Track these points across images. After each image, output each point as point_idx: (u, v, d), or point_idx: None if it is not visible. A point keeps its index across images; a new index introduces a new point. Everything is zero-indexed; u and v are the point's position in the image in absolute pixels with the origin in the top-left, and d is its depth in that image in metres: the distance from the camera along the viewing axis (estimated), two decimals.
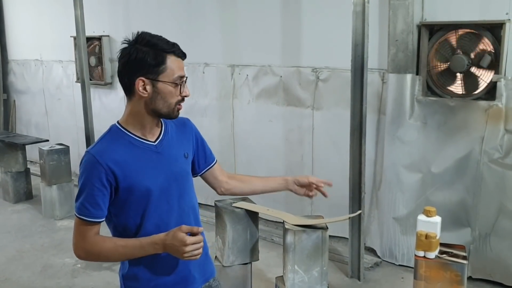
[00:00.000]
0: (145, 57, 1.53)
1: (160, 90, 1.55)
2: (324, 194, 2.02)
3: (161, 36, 1.59)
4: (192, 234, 1.51)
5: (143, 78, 1.54)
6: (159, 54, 1.54)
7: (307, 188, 2.00)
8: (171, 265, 1.66)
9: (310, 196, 2.01)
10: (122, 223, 1.63)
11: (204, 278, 1.79)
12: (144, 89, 1.55)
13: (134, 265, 1.66)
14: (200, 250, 1.52)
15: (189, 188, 1.74)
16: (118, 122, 1.65)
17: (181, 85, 1.59)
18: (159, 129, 1.68)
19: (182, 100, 1.61)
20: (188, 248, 1.48)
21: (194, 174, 1.86)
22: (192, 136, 1.80)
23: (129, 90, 1.59)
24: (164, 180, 1.63)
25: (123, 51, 1.58)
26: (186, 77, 1.61)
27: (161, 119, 1.68)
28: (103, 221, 1.60)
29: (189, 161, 1.77)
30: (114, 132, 1.62)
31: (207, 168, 1.88)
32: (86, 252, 1.60)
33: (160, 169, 1.63)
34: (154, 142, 1.64)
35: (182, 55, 1.59)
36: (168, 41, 1.58)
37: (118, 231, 1.64)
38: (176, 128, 1.74)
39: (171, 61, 1.55)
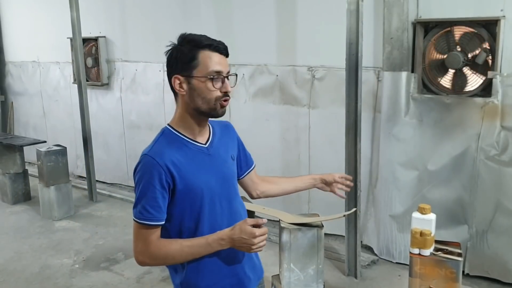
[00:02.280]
0: (179, 55, 1.54)
1: (195, 86, 1.54)
2: (346, 188, 2.04)
3: (204, 35, 1.57)
4: (257, 226, 1.52)
5: (178, 76, 1.55)
6: (191, 49, 1.53)
7: (331, 188, 2.02)
8: (228, 268, 1.66)
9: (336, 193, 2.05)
10: (176, 227, 1.60)
11: (257, 277, 1.80)
12: (181, 86, 1.55)
13: (193, 272, 1.63)
14: (265, 242, 1.54)
15: (237, 189, 1.75)
16: (169, 124, 1.64)
17: (220, 80, 1.55)
18: (208, 131, 1.68)
19: (224, 95, 1.56)
20: (256, 240, 1.50)
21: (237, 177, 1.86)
22: (235, 139, 1.81)
23: (173, 91, 1.60)
24: (216, 182, 1.63)
25: (166, 53, 1.58)
26: (229, 72, 1.58)
27: (208, 122, 1.67)
28: (163, 224, 1.56)
29: (235, 163, 1.77)
30: (167, 134, 1.61)
31: (248, 171, 1.88)
32: (152, 257, 1.56)
33: (212, 171, 1.62)
34: (205, 144, 1.64)
35: (220, 50, 1.55)
36: (206, 37, 1.55)
37: (170, 237, 1.60)
38: (221, 131, 1.74)
39: (205, 55, 1.53)
